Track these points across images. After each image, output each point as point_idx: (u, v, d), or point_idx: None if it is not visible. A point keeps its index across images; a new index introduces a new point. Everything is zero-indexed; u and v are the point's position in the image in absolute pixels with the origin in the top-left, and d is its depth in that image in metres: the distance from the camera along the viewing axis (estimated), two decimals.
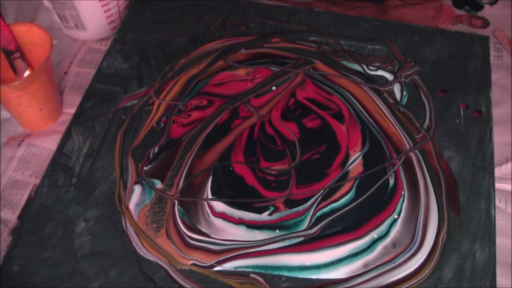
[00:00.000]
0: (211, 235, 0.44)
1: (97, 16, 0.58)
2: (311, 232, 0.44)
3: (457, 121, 0.51)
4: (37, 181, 0.49)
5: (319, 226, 0.44)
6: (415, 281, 0.41)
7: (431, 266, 0.42)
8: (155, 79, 0.55)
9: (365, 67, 0.56)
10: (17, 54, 0.49)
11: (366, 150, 0.49)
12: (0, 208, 0.48)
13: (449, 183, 0.46)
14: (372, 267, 0.42)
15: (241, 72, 0.55)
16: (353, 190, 0.46)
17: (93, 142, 0.50)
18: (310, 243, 0.43)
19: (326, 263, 0.42)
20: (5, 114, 0.54)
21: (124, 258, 0.43)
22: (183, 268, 0.42)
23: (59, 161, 0.49)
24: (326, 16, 0.61)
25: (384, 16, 0.64)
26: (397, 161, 0.48)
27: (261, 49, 0.57)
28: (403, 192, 0.46)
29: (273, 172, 0.48)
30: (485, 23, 0.63)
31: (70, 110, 0.54)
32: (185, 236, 0.44)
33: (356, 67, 0.56)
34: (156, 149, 0.49)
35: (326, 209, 0.45)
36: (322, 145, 0.49)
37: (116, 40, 0.59)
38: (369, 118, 0.51)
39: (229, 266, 0.42)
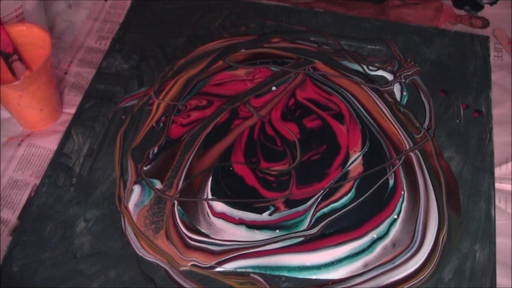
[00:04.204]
0: (211, 236, 0.44)
1: None
2: (311, 232, 0.44)
3: (457, 121, 0.51)
4: (37, 181, 0.49)
5: (319, 226, 0.44)
6: (415, 281, 0.41)
7: (431, 266, 0.42)
8: (155, 79, 0.55)
9: (365, 67, 0.55)
10: (15, 57, 0.49)
11: (366, 150, 0.49)
12: (0, 208, 0.48)
13: (449, 183, 0.46)
14: (372, 267, 0.42)
15: (241, 72, 0.55)
16: (353, 190, 0.46)
17: (93, 142, 0.50)
18: (310, 243, 0.43)
19: (326, 263, 0.42)
20: (5, 114, 0.54)
21: (124, 258, 0.43)
22: (183, 269, 0.42)
23: (59, 161, 0.49)
24: (326, 16, 0.61)
25: (384, 16, 0.64)
26: (397, 161, 0.48)
27: (261, 49, 0.57)
28: (402, 192, 0.46)
29: (273, 173, 0.48)
30: (485, 23, 0.63)
31: (70, 110, 0.54)
32: (185, 236, 0.44)
33: (356, 67, 0.56)
34: (156, 149, 0.49)
35: (326, 209, 0.45)
36: (322, 146, 0.49)
37: (116, 40, 0.59)
38: (369, 118, 0.51)
39: (229, 266, 0.42)
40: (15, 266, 0.43)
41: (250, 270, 0.42)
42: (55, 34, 0.62)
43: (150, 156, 0.49)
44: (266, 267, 0.42)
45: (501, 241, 0.44)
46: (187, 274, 0.42)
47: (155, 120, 0.51)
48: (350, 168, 0.48)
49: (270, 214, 0.45)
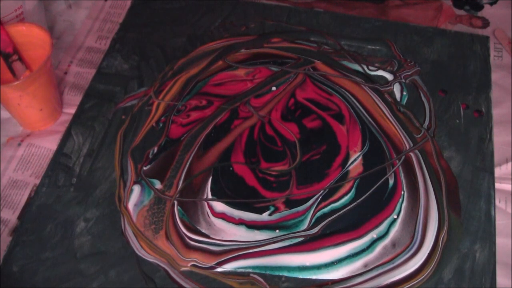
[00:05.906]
0: (211, 236, 0.44)
1: None
2: (311, 232, 0.44)
3: (457, 121, 0.51)
4: (37, 181, 0.49)
5: (319, 226, 0.44)
6: (415, 281, 0.41)
7: (431, 266, 0.42)
8: (155, 79, 0.55)
9: (365, 67, 0.55)
10: (15, 57, 0.49)
11: (366, 150, 0.49)
12: (0, 208, 0.48)
13: (449, 183, 0.46)
14: (372, 267, 0.42)
15: (241, 72, 0.55)
16: (353, 190, 0.46)
17: (93, 142, 0.50)
18: (310, 243, 0.43)
19: (326, 263, 0.42)
20: (5, 114, 0.54)
21: (124, 258, 0.43)
22: (183, 269, 0.42)
23: (59, 161, 0.49)
24: (326, 16, 0.61)
25: (384, 16, 0.64)
26: (397, 161, 0.48)
27: (261, 49, 0.57)
28: (402, 192, 0.46)
29: (273, 173, 0.48)
30: (485, 23, 0.63)
31: (70, 110, 0.54)
32: (184, 237, 0.44)
33: (356, 67, 0.56)
34: (156, 149, 0.49)
35: (326, 209, 0.45)
36: (322, 146, 0.49)
37: (116, 40, 0.59)
38: (369, 118, 0.51)
39: (229, 267, 0.42)
40: (15, 266, 0.43)
41: (250, 270, 0.42)
42: (55, 34, 0.62)
43: (150, 156, 0.49)
44: (266, 267, 0.42)
45: (501, 241, 0.44)
46: (187, 274, 0.42)
47: (155, 120, 0.51)
48: (350, 168, 0.48)
49: (270, 214, 0.45)
